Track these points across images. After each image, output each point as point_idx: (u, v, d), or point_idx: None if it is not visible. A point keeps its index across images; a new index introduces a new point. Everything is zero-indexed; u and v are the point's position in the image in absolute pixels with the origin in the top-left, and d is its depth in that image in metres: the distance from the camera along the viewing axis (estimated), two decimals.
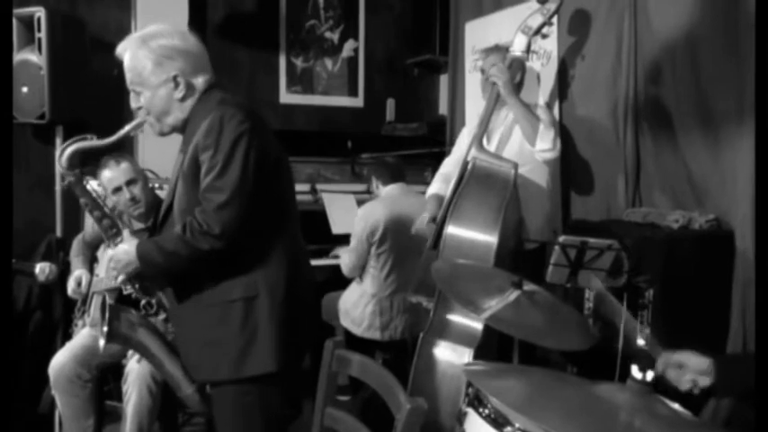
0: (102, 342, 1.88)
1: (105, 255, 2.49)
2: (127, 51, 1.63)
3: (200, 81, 1.65)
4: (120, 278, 1.73)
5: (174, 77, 1.61)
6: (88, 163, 3.14)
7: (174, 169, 1.69)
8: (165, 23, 1.69)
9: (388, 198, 2.90)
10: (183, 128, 1.68)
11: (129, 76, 1.64)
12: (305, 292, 1.77)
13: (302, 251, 1.81)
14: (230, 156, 1.54)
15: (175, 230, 1.57)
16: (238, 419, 1.69)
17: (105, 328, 1.85)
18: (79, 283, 2.42)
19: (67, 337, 2.64)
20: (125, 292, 1.96)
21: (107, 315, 1.86)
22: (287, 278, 1.66)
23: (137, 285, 1.89)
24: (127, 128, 1.73)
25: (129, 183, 2.35)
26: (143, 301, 1.94)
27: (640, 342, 1.60)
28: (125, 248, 1.68)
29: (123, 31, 3.48)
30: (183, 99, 1.63)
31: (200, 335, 1.66)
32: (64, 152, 1.73)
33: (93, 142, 1.77)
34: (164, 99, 1.63)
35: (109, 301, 1.95)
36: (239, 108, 1.59)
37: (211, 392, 1.76)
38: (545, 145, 2.32)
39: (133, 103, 1.67)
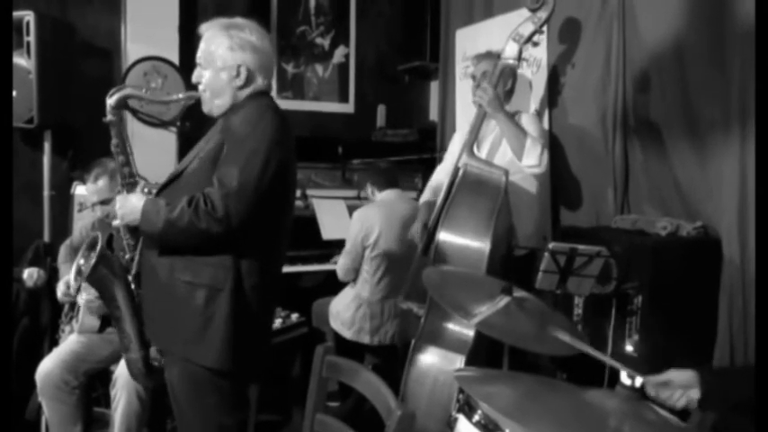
0: (72, 277, 1.91)
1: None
2: (209, 31, 1.75)
3: (259, 79, 1.75)
4: (117, 222, 1.79)
5: (239, 66, 1.71)
6: (78, 167, 3.14)
7: (196, 147, 1.77)
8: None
9: (384, 203, 2.91)
10: (225, 114, 1.75)
11: (200, 51, 1.75)
12: (269, 302, 1.81)
13: (281, 263, 1.87)
14: (255, 152, 1.61)
15: (182, 201, 1.61)
16: (192, 404, 1.72)
17: (90, 267, 1.88)
18: (68, 287, 2.40)
19: (54, 342, 2.62)
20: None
21: (96, 255, 1.89)
22: (255, 284, 1.69)
23: (128, 238, 1.93)
24: (181, 95, 1.87)
25: (103, 203, 2.36)
26: (126, 256, 1.97)
27: (629, 348, 1.61)
28: (135, 200, 1.72)
29: (113, 35, 3.49)
30: (239, 88, 1.73)
31: (163, 304, 1.71)
32: (115, 93, 1.80)
33: (143, 93, 1.90)
34: (222, 82, 1.73)
35: (101, 243, 1.96)
36: (280, 117, 1.70)
37: (165, 359, 1.80)
38: (531, 161, 2.32)
39: (195, 78, 1.77)
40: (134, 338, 1.90)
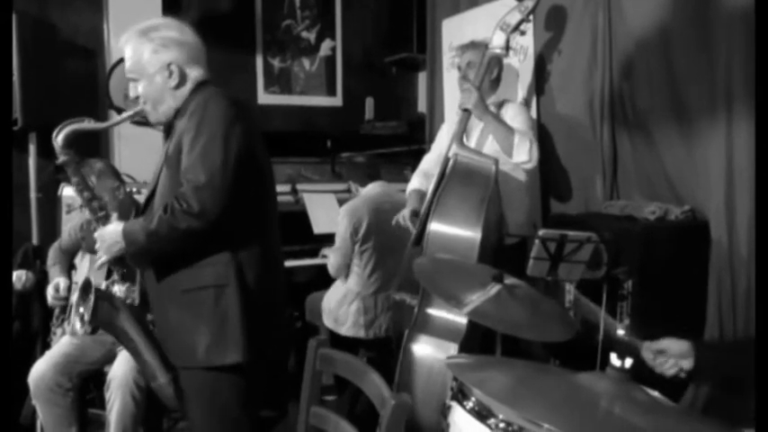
0: (78, 326, 1.88)
1: (83, 261, 2.46)
2: (128, 42, 1.70)
3: (193, 72, 1.71)
4: (104, 258, 1.74)
5: (168, 65, 1.68)
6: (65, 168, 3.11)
7: (160, 157, 1.73)
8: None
9: (370, 196, 2.91)
10: (175, 117, 1.72)
11: (128, 65, 1.71)
12: (276, 291, 1.80)
13: (278, 253, 1.85)
14: (212, 138, 1.58)
15: (158, 212, 1.59)
16: (205, 405, 1.71)
17: (89, 313, 1.85)
18: (57, 290, 2.38)
19: (47, 345, 2.60)
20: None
21: (93, 298, 1.85)
22: (258, 274, 1.69)
23: (119, 270, 1.91)
24: (124, 115, 1.79)
25: None
26: (114, 276, 1.95)
27: (620, 332, 1.64)
28: (112, 228, 1.70)
29: (95, 34, 3.46)
30: (176, 87, 1.70)
31: (174, 320, 1.69)
32: (60, 132, 1.74)
33: (89, 125, 1.81)
34: (158, 87, 1.69)
35: (94, 284, 1.93)
36: (228, 98, 1.66)
37: (181, 376, 1.77)
38: (522, 158, 2.33)
39: (131, 92, 1.73)
40: (156, 364, 1.86)
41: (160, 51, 1.67)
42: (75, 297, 2.38)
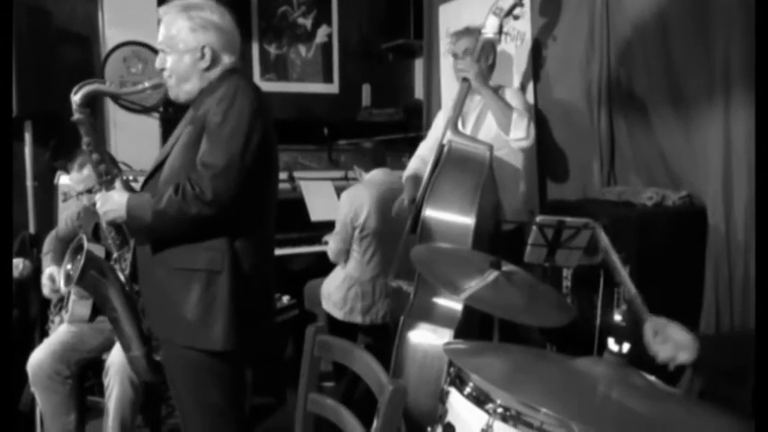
0: (61, 282, 1.89)
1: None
2: (167, 14, 1.70)
3: (226, 59, 1.71)
4: (103, 222, 1.76)
5: (203, 48, 1.67)
6: (61, 156, 3.11)
7: (173, 135, 1.73)
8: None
9: (372, 182, 2.91)
10: (196, 98, 1.72)
11: (161, 36, 1.70)
12: (268, 282, 1.81)
13: (272, 244, 1.86)
14: (236, 128, 1.58)
15: (168, 190, 1.58)
16: (191, 386, 1.72)
17: (78, 271, 1.85)
18: (53, 280, 2.38)
19: (45, 333, 2.60)
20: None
21: (82, 258, 1.84)
22: (253, 263, 1.69)
23: (113, 236, 1.90)
24: (146, 84, 1.77)
25: (89, 191, 2.33)
26: (114, 254, 1.94)
27: (617, 318, 1.63)
28: (117, 196, 1.69)
29: (90, 21, 3.43)
30: (206, 70, 1.69)
31: (163, 296, 1.69)
32: (80, 90, 1.73)
33: (108, 88, 1.84)
34: (187, 65, 1.69)
35: (86, 245, 1.93)
36: (254, 90, 1.67)
37: (163, 350, 1.78)
38: (519, 134, 2.33)
39: (158, 64, 1.72)
40: (134, 336, 1.88)
41: (198, 31, 1.67)
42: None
